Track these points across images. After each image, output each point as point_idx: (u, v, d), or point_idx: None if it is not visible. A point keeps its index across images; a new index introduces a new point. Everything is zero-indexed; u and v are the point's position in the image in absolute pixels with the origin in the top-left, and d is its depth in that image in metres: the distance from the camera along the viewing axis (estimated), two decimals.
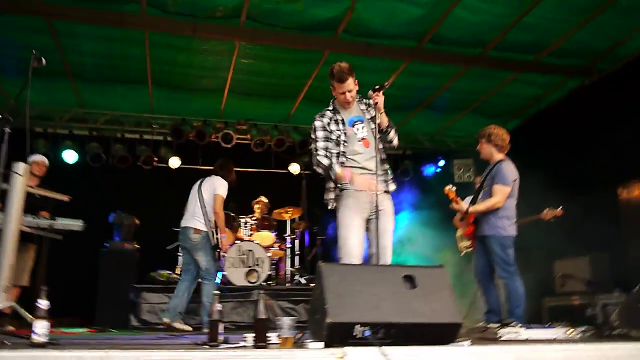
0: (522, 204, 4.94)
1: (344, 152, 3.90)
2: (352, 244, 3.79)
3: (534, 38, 6.40)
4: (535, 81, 7.43)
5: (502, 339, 3.65)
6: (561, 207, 5.61)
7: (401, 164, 9.54)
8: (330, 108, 4.03)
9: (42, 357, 2.48)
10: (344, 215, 3.84)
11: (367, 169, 3.86)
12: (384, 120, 3.93)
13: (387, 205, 3.92)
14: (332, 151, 3.90)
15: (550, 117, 7.84)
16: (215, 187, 5.67)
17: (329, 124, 3.94)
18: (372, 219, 3.84)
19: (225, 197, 5.70)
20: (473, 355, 2.87)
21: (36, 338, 2.72)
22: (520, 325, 4.16)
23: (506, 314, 4.70)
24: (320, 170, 3.91)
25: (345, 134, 3.93)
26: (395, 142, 4.04)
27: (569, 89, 7.55)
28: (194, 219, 5.58)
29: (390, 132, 3.98)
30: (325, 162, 3.86)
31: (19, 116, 3.61)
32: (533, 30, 6.21)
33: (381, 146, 3.97)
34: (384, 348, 2.71)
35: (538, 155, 7.06)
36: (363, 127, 3.96)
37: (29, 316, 4.85)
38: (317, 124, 3.95)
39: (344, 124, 3.95)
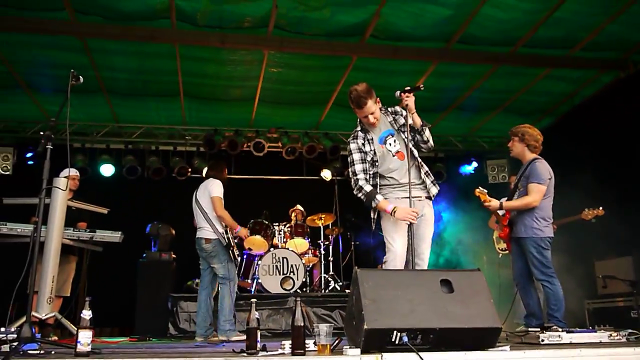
0: (560, 204, 4.83)
1: (379, 173, 3.92)
2: (397, 246, 3.80)
3: (565, 33, 6.27)
4: (567, 77, 7.27)
5: (543, 343, 3.57)
6: (601, 207, 5.47)
7: (433, 167, 9.44)
8: (359, 128, 4.02)
9: None
10: (388, 221, 3.85)
11: (404, 183, 3.83)
12: (416, 120, 3.90)
13: (427, 211, 3.92)
14: (370, 172, 3.91)
15: (585, 113, 7.65)
16: (210, 190, 5.58)
17: (363, 144, 3.93)
18: (415, 225, 3.81)
19: (221, 196, 5.57)
20: (515, 359, 2.82)
21: (80, 347, 2.79)
22: (561, 328, 4.07)
23: (546, 317, 4.59)
24: (360, 196, 3.89)
25: (377, 153, 3.92)
26: (431, 141, 4.00)
27: (603, 83, 7.36)
28: (202, 230, 5.57)
29: (425, 131, 3.94)
30: (367, 188, 3.85)
31: (58, 133, 3.72)
32: (564, 24, 6.08)
33: (416, 153, 3.95)
34: (422, 353, 2.69)
35: (574, 153, 6.90)
36: (395, 140, 3.95)
37: (71, 326, 5.01)
38: (352, 146, 3.94)
39: (374, 142, 3.94)
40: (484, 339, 2.91)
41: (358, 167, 3.90)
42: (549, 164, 4.74)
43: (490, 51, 6.68)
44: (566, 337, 3.61)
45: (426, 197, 3.94)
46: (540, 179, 4.58)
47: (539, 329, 4.12)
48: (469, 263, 7.85)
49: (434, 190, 3.98)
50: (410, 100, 3.83)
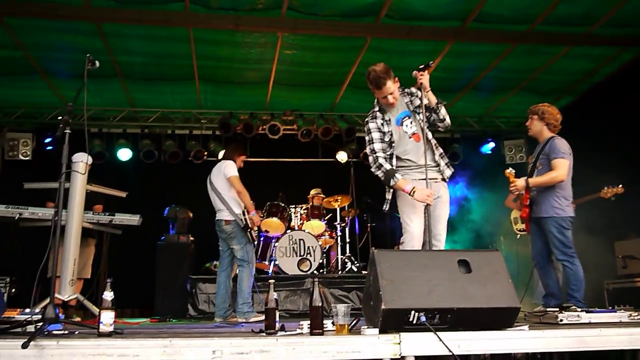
0: (579, 182, 4.77)
1: (395, 154, 3.94)
2: (414, 227, 3.85)
3: (584, 9, 6.11)
4: (587, 54, 7.12)
5: (562, 322, 3.55)
6: (621, 185, 5.39)
7: (449, 148, 9.38)
8: (376, 108, 4.02)
9: (109, 345, 2.60)
10: (405, 202, 3.88)
11: (420, 165, 3.85)
12: (431, 98, 3.90)
13: (442, 193, 3.94)
14: (387, 152, 3.92)
15: (605, 91, 7.51)
16: (225, 172, 5.63)
17: (382, 124, 3.94)
18: (427, 206, 3.83)
19: (237, 175, 5.65)
20: (533, 339, 2.82)
21: (103, 328, 2.85)
22: (580, 308, 4.04)
23: (565, 297, 4.57)
24: (379, 174, 3.89)
25: (394, 134, 3.94)
26: (447, 119, 4.00)
27: (624, 60, 7.20)
28: (221, 212, 5.63)
29: (440, 109, 3.95)
30: (387, 167, 3.86)
31: (75, 118, 3.76)
32: (583, 0, 5.94)
33: (430, 135, 3.95)
34: (440, 333, 2.70)
35: (594, 132, 6.80)
36: (411, 122, 3.97)
37: (93, 307, 5.11)
38: (371, 125, 3.95)
39: (391, 123, 3.96)
40: (502, 318, 2.91)
41: (377, 145, 3.91)
42: (568, 142, 4.69)
43: (508, 30, 6.56)
44: (585, 317, 3.58)
45: (441, 179, 3.96)
46: (563, 153, 4.53)
47: (557, 309, 4.10)
48: (486, 243, 7.82)
49: (448, 172, 4.01)
50: (424, 78, 3.84)
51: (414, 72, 3.87)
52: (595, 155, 6.02)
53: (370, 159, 3.94)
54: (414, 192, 3.74)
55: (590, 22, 6.39)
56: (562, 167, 4.52)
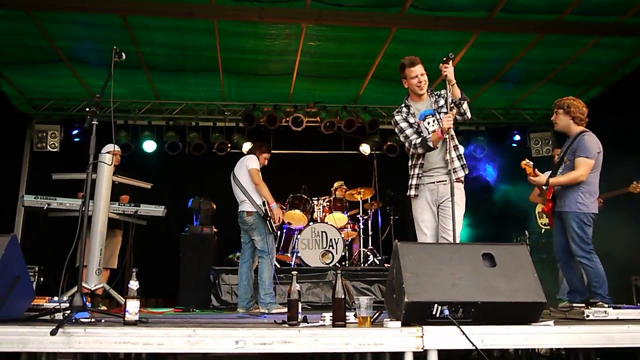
0: (608, 176, 4.67)
1: None
2: (427, 227, 4.10)
3: None
4: (618, 44, 6.93)
5: (588, 318, 3.49)
6: None
7: (474, 140, 9.26)
8: (403, 105, 4.24)
9: (135, 333, 2.64)
10: (416, 205, 4.18)
11: (437, 167, 4.10)
12: (455, 92, 3.99)
13: (456, 193, 3.98)
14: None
15: (636, 82, 7.30)
16: (247, 165, 5.80)
17: (407, 116, 4.17)
18: (442, 206, 4.08)
19: (258, 168, 5.79)
20: (559, 334, 2.78)
21: (128, 316, 2.89)
22: (607, 304, 3.97)
23: (589, 294, 4.48)
24: (419, 149, 4.07)
25: (418, 126, 4.17)
26: (468, 114, 4.09)
27: None
28: (243, 203, 5.75)
29: (462, 104, 4.02)
30: (419, 140, 4.05)
31: (102, 110, 3.81)
32: None
33: (452, 133, 4.07)
34: (463, 327, 2.68)
35: (624, 124, 6.63)
36: (433, 121, 4.11)
37: (119, 296, 5.20)
38: (397, 117, 4.21)
39: (415, 116, 4.19)
40: (527, 313, 2.87)
41: (409, 131, 4.15)
42: (597, 136, 4.56)
43: (536, 19, 6.43)
44: (612, 313, 3.53)
45: (455, 180, 4.04)
46: (589, 152, 4.42)
47: (583, 305, 4.03)
48: (510, 237, 7.72)
49: (461, 173, 4.15)
50: (449, 70, 3.93)
51: (440, 65, 3.95)
52: (625, 149, 5.87)
53: (407, 145, 4.16)
54: (442, 125, 3.91)
55: (620, 12, 6.22)
56: (584, 167, 4.41)
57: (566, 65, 7.43)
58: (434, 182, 4.13)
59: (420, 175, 4.14)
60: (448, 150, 3.98)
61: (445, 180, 4.04)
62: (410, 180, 4.23)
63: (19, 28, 6.45)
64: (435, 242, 4.06)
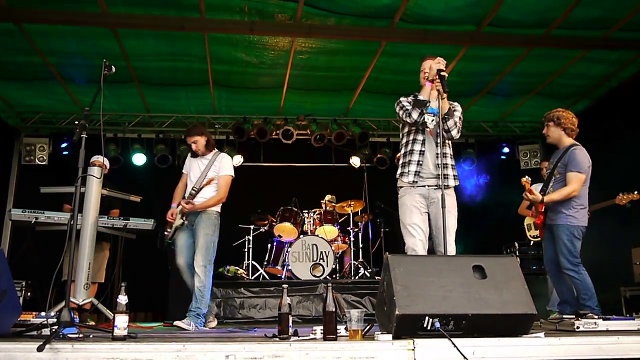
0: (595, 188, 4.71)
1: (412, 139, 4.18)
2: (417, 232, 4.02)
3: (601, 12, 6.05)
4: (605, 58, 7.04)
5: (578, 330, 3.50)
6: (637, 191, 5.32)
7: (464, 152, 9.33)
8: (411, 97, 4.25)
9: (124, 349, 2.61)
10: (404, 210, 4.12)
11: (430, 172, 4.11)
12: (444, 106, 4.04)
13: (449, 200, 3.97)
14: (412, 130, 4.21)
15: (623, 95, 7.41)
16: None
17: (412, 101, 4.17)
18: (432, 214, 4.06)
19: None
20: (549, 346, 2.78)
21: (117, 331, 2.86)
22: (597, 315, 3.98)
23: (579, 306, 4.50)
24: (414, 114, 4.08)
25: None
26: (454, 133, 4.14)
27: None
28: None
29: (448, 120, 4.08)
30: (410, 106, 4.11)
31: (91, 123, 3.80)
32: (600, 3, 5.86)
33: (448, 143, 4.13)
34: (454, 339, 2.67)
35: (610, 136, 6.72)
36: (432, 120, 4.09)
37: (107, 311, 5.13)
38: (402, 98, 4.25)
39: None
40: (517, 325, 2.87)
41: (406, 103, 4.17)
42: (585, 147, 4.63)
43: (523, 34, 6.51)
44: (602, 325, 3.54)
45: (446, 187, 4.04)
46: (580, 167, 4.47)
47: (573, 316, 4.05)
48: (500, 249, 7.74)
49: (452, 182, 4.16)
50: (439, 85, 4.02)
51: (428, 81, 4.08)
52: (611, 161, 5.94)
53: (401, 114, 4.17)
54: (432, 71, 4.02)
55: (606, 26, 6.32)
56: (576, 182, 4.46)
57: (554, 78, 7.52)
58: (425, 186, 4.10)
59: (419, 170, 4.09)
60: (442, 155, 4.04)
61: (437, 186, 4.02)
62: (408, 167, 4.12)
63: (9, 44, 6.44)
64: (423, 247, 4.01)
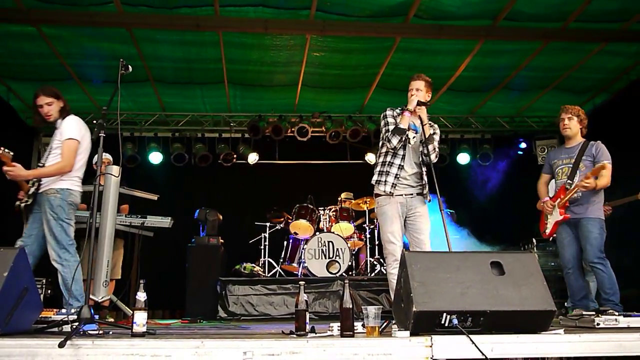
0: (615, 184, 4.66)
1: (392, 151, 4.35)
2: (396, 239, 4.22)
3: (620, 4, 5.94)
4: (623, 51, 6.92)
5: (599, 327, 3.46)
6: None
7: (480, 148, 9.25)
8: (399, 108, 4.45)
9: (143, 345, 2.64)
10: (384, 218, 4.29)
11: (404, 176, 4.29)
12: (426, 131, 4.26)
13: (420, 208, 4.28)
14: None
15: None
16: None
17: (397, 116, 4.36)
18: (411, 220, 4.28)
19: None
20: (569, 343, 2.75)
21: (136, 328, 2.89)
22: (618, 312, 3.94)
23: (600, 301, 4.46)
24: (394, 140, 4.24)
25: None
26: (432, 157, 4.28)
27: None
28: None
29: (428, 145, 4.26)
30: (393, 127, 4.29)
31: (108, 122, 3.84)
32: None
33: (420, 159, 4.35)
34: (473, 336, 2.65)
35: (629, 131, 6.60)
36: (413, 137, 4.33)
37: (125, 308, 5.20)
38: (389, 112, 4.44)
39: None
40: (536, 322, 2.84)
41: (391, 122, 4.36)
42: (603, 142, 4.70)
43: (540, 27, 6.43)
44: (623, 321, 3.50)
45: (418, 194, 4.31)
46: (609, 159, 4.58)
47: (593, 313, 4.00)
48: (518, 245, 7.68)
49: (428, 197, 4.36)
50: (422, 112, 4.25)
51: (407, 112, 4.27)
52: (631, 156, 5.85)
53: (384, 130, 4.37)
54: (411, 103, 4.26)
55: (625, 18, 6.22)
56: (609, 173, 4.55)
57: (571, 72, 7.42)
58: (402, 195, 4.26)
59: (396, 182, 4.25)
60: (422, 168, 4.32)
61: (413, 194, 4.28)
62: (386, 177, 4.29)
63: (26, 47, 6.55)
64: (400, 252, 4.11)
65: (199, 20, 6.14)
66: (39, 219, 4.19)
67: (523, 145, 9.32)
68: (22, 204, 4.28)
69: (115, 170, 5.08)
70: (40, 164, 4.30)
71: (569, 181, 4.67)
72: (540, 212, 5.01)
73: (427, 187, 4.36)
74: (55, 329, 3.18)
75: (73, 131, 4.24)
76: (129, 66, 3.81)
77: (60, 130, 4.27)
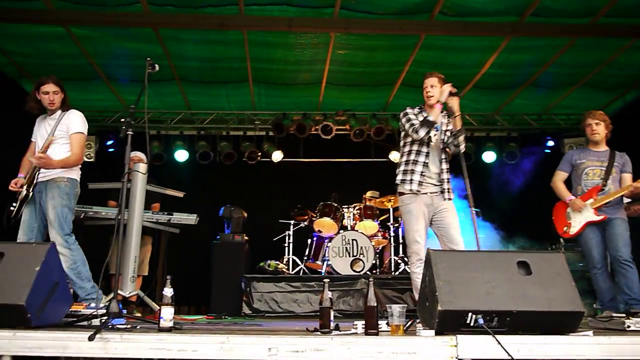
0: None
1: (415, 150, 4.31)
2: (422, 238, 4.19)
3: None
4: None
5: (630, 329, 3.39)
6: None
7: (506, 147, 9.13)
8: (418, 107, 4.44)
9: (170, 340, 2.69)
10: (409, 216, 4.24)
11: (429, 175, 4.25)
12: (457, 123, 4.25)
13: (447, 205, 4.23)
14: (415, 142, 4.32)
15: None
16: None
17: (418, 113, 4.35)
18: (437, 218, 4.21)
19: None
20: (598, 345, 2.70)
21: (163, 323, 2.93)
22: None
23: (630, 301, 4.40)
24: (421, 132, 4.16)
25: None
26: (462, 147, 4.30)
27: None
28: None
29: (459, 136, 4.26)
30: (420, 120, 4.21)
31: (135, 120, 3.91)
32: None
33: (444, 156, 4.31)
34: (499, 336, 2.63)
35: None
36: (435, 135, 4.26)
37: (152, 303, 5.28)
38: (409, 110, 4.40)
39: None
40: (564, 323, 2.80)
41: (413, 118, 4.28)
42: (633, 140, 4.94)
43: (568, 23, 6.31)
44: None
45: (441, 192, 4.26)
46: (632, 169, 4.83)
47: (624, 315, 3.92)
48: (545, 245, 7.56)
49: (450, 195, 4.29)
50: (454, 102, 4.20)
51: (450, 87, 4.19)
52: None
53: (407, 127, 4.26)
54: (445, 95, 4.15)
55: None
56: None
57: (601, 68, 7.27)
58: (427, 193, 4.22)
59: (422, 180, 4.21)
60: (442, 166, 4.27)
61: (437, 192, 4.25)
62: (411, 176, 4.23)
63: (56, 48, 6.69)
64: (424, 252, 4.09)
65: (224, 19, 6.19)
66: (35, 211, 4.30)
67: (551, 143, 9.15)
68: (24, 194, 4.33)
69: (143, 167, 5.15)
70: (39, 149, 4.41)
71: (603, 184, 4.77)
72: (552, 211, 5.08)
73: (449, 183, 4.33)
74: (85, 323, 3.25)
75: (81, 125, 4.48)
76: (156, 65, 3.86)
77: (67, 122, 4.46)
